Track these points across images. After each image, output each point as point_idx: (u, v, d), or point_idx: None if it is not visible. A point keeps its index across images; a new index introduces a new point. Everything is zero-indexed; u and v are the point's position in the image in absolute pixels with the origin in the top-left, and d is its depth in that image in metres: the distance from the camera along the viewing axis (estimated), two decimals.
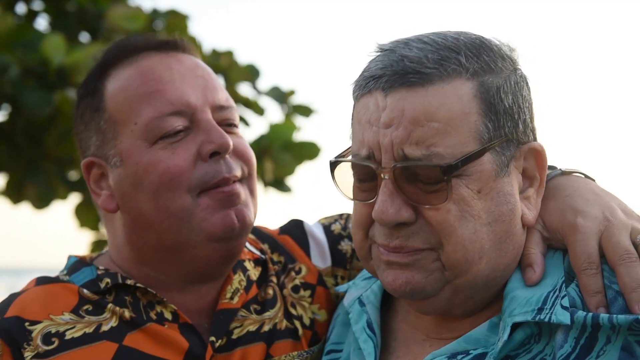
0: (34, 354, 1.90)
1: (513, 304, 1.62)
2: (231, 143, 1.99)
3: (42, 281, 2.03)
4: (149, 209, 1.97)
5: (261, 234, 2.27)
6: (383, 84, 1.61)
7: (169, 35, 2.16)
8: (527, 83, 1.71)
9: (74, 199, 6.65)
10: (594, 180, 1.82)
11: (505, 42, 1.70)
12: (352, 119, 1.72)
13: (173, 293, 2.03)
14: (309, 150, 6.62)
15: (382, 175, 1.63)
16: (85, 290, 1.99)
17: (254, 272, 2.15)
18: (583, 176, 1.82)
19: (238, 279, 2.10)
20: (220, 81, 2.15)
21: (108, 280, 2.00)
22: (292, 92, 7.01)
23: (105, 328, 1.95)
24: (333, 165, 1.75)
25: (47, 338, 1.93)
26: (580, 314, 1.56)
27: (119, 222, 2.05)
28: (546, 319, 1.57)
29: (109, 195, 2.04)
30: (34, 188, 6.10)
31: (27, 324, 1.93)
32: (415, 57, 1.60)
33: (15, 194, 6.34)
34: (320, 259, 2.26)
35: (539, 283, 1.65)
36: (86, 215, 6.60)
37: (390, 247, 1.65)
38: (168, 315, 1.99)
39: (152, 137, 1.98)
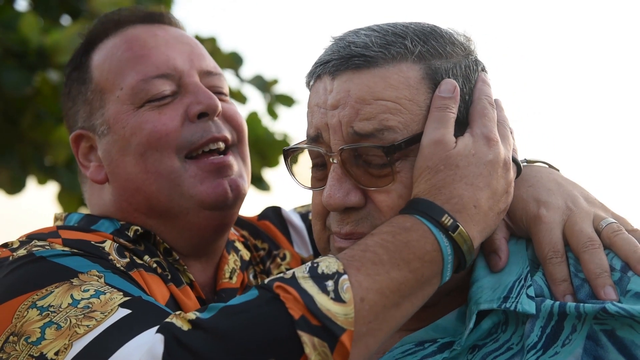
0: (120, 265, 1.80)
1: (478, 292, 1.63)
2: (219, 105, 1.98)
3: (67, 228, 1.91)
4: (137, 171, 1.94)
5: (239, 221, 2.26)
6: (330, 69, 1.64)
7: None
8: (481, 69, 1.71)
9: (52, 186, 6.59)
10: (557, 170, 1.83)
11: (460, 31, 1.72)
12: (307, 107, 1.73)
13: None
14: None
15: (331, 160, 1.63)
16: (121, 239, 1.91)
17: (245, 252, 2.15)
18: (547, 166, 1.83)
19: (233, 259, 2.09)
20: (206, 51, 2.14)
21: (137, 227, 1.94)
22: (275, 82, 6.99)
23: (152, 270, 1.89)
24: (287, 153, 1.76)
25: (120, 251, 1.85)
26: (548, 302, 1.58)
27: (108, 194, 2.01)
28: (512, 308, 1.58)
29: (98, 167, 2.02)
30: (7, 172, 6.02)
31: (92, 242, 1.84)
32: (362, 42, 1.63)
33: None
34: (303, 247, 2.27)
35: (504, 270, 1.66)
36: (68, 202, 6.54)
37: (341, 234, 1.65)
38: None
39: (138, 100, 1.96)
